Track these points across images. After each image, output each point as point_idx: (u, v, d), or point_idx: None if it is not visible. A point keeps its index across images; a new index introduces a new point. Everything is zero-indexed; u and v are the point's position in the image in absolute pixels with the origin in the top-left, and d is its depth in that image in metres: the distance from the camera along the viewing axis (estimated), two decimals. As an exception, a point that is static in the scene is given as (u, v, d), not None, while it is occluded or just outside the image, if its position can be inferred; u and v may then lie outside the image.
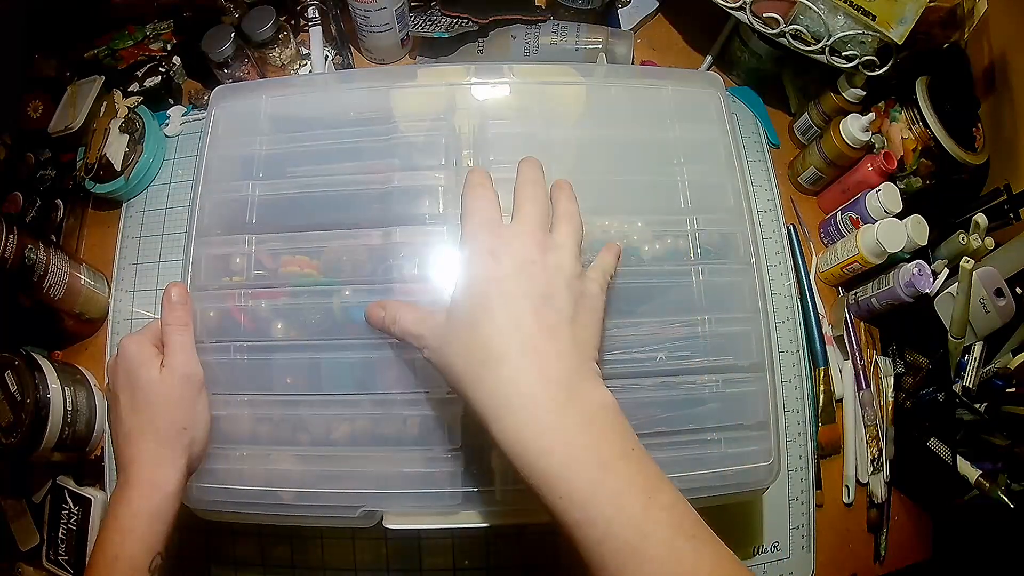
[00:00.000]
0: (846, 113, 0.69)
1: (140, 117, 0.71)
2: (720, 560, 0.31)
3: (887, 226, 0.65)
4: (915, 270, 0.64)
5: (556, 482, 0.32)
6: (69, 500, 0.60)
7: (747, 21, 0.67)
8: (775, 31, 0.66)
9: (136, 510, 0.42)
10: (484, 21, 0.74)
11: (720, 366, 0.50)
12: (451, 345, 0.37)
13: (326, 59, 0.77)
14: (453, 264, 0.41)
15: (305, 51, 0.78)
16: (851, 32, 0.64)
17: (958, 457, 0.64)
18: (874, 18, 0.63)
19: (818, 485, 0.65)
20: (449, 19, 0.74)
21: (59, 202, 0.71)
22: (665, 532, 0.31)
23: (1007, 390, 0.66)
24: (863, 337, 0.71)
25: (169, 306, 0.47)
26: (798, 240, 0.73)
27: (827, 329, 0.70)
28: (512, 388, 0.34)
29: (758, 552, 0.63)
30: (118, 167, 0.69)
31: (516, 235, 0.38)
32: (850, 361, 0.69)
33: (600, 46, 0.73)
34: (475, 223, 0.39)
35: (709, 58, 0.80)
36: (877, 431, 0.66)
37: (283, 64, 0.75)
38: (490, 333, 0.35)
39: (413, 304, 0.43)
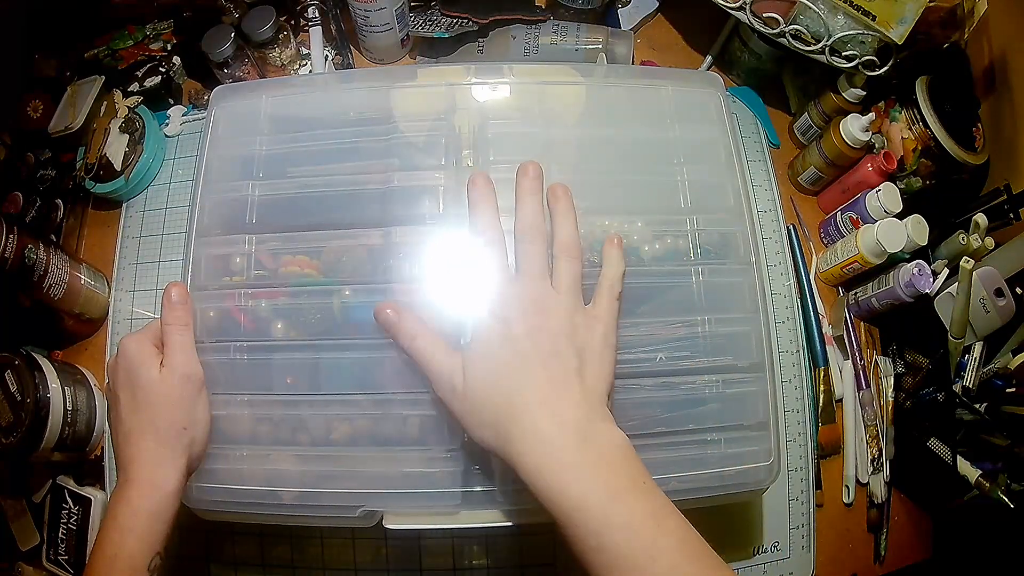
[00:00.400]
0: (846, 113, 0.69)
1: (140, 117, 0.71)
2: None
3: (887, 226, 0.65)
4: (915, 270, 0.64)
5: (573, 514, 0.36)
6: (69, 500, 0.60)
7: (747, 21, 0.67)
8: (775, 31, 0.66)
9: (136, 509, 0.42)
10: (484, 21, 0.74)
11: (720, 366, 0.50)
12: (470, 403, 0.41)
13: (326, 59, 0.77)
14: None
15: (305, 51, 0.78)
16: (851, 32, 0.64)
17: (958, 457, 0.64)
18: (874, 18, 0.63)
19: (818, 485, 0.65)
20: (449, 19, 0.74)
21: (59, 202, 0.71)
22: (671, 556, 0.34)
23: (1007, 390, 0.66)
24: (863, 337, 0.71)
25: (169, 306, 0.47)
26: (798, 240, 0.73)
27: (827, 329, 0.70)
28: (533, 436, 0.38)
29: (758, 552, 0.63)
30: (118, 167, 0.69)
31: (521, 302, 0.42)
32: (850, 361, 0.69)
33: (600, 46, 0.73)
34: (489, 283, 0.43)
35: (709, 58, 0.80)
36: (877, 431, 0.66)
37: (283, 64, 0.75)
38: (510, 391, 0.39)
39: (434, 334, 0.44)
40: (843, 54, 0.66)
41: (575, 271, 0.44)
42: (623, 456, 0.38)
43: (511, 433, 0.39)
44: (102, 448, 0.63)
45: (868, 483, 0.66)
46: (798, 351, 0.68)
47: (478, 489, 0.49)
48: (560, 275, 0.43)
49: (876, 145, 0.71)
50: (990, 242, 0.69)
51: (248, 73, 0.73)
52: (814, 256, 0.74)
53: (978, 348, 0.67)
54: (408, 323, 0.44)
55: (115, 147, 0.69)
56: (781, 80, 0.79)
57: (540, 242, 0.44)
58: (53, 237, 0.68)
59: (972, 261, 0.65)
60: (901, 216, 0.66)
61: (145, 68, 0.75)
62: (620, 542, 0.35)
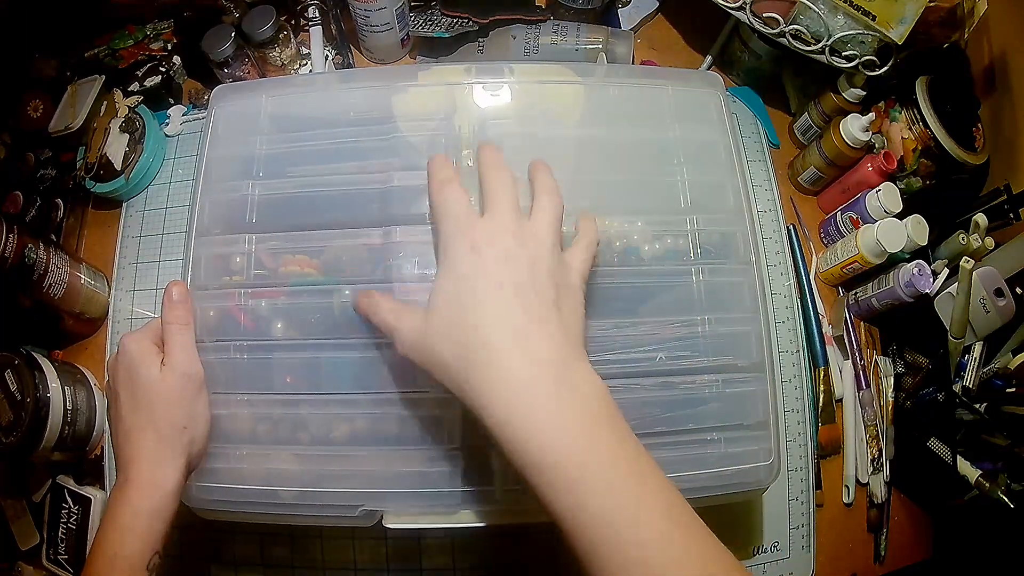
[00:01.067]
0: (846, 113, 0.69)
1: (140, 117, 0.71)
2: (708, 547, 0.31)
3: (887, 226, 0.65)
4: (915, 270, 0.64)
5: (546, 469, 0.32)
6: (69, 500, 0.60)
7: (747, 21, 0.67)
8: (775, 31, 0.66)
9: (135, 509, 0.42)
10: (484, 21, 0.74)
11: (720, 366, 0.50)
12: (434, 336, 0.37)
13: (326, 59, 0.77)
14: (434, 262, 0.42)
15: (305, 51, 0.78)
16: (851, 32, 0.64)
17: (958, 457, 0.64)
18: (874, 18, 0.63)
19: (818, 485, 0.65)
20: (449, 19, 0.74)
21: (59, 202, 0.71)
22: (656, 518, 0.31)
23: (1007, 390, 0.66)
24: (863, 337, 0.71)
25: (169, 304, 0.47)
26: (798, 240, 0.73)
27: (827, 329, 0.70)
28: (503, 373, 0.34)
29: (758, 552, 0.63)
30: (118, 167, 0.69)
31: (493, 229, 0.38)
32: (850, 361, 0.69)
33: (600, 46, 0.73)
34: (450, 221, 0.40)
35: (709, 58, 0.80)
36: (877, 431, 0.66)
37: (283, 64, 0.75)
38: (477, 323, 0.35)
39: (391, 297, 0.43)
40: (843, 54, 0.66)
41: (555, 206, 0.40)
42: (602, 404, 0.34)
43: (476, 371, 0.34)
44: (102, 448, 0.63)
45: (868, 483, 0.66)
46: (798, 351, 0.68)
47: (478, 489, 0.49)
48: (540, 211, 0.40)
49: (876, 145, 0.71)
50: (990, 242, 0.69)
51: (248, 73, 0.73)
52: (814, 256, 0.74)
53: (978, 348, 0.67)
54: (374, 298, 0.42)
55: (115, 147, 0.69)
56: (781, 80, 0.79)
57: (507, 177, 0.40)
58: (53, 237, 0.68)
59: (972, 261, 0.65)
60: (901, 216, 0.66)
61: (145, 68, 0.75)
62: (600, 500, 0.31)
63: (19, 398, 0.56)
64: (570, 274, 0.40)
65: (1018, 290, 0.67)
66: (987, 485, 0.62)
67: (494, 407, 0.33)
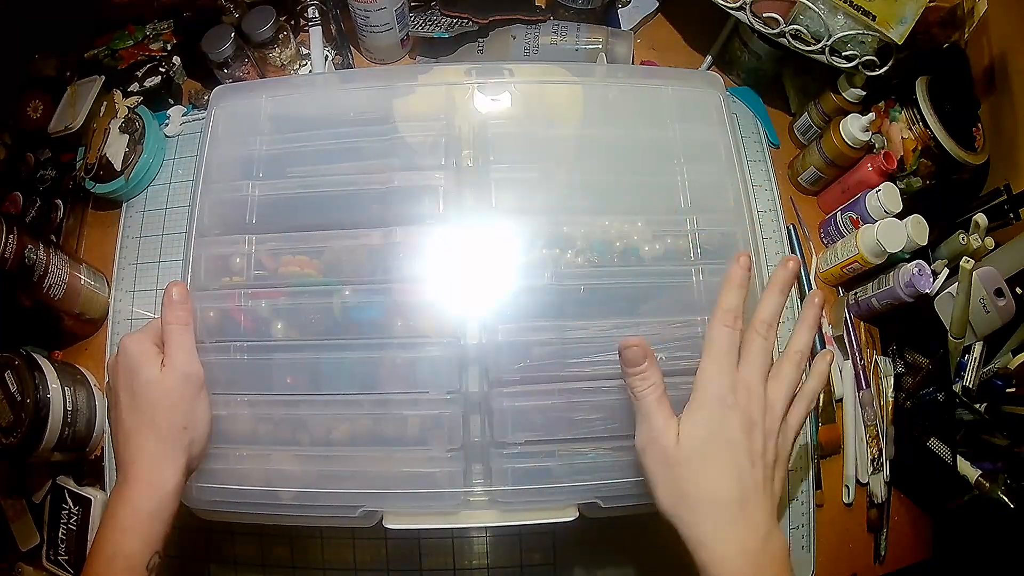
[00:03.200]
0: (846, 113, 0.69)
1: (140, 117, 0.71)
2: None
3: (887, 226, 0.65)
4: (915, 270, 0.64)
5: None
6: (69, 500, 0.60)
7: (747, 21, 0.67)
8: (775, 31, 0.66)
9: (135, 509, 0.42)
10: (484, 21, 0.74)
11: (720, 366, 0.50)
12: (678, 467, 0.41)
13: (326, 59, 0.77)
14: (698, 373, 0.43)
15: (305, 51, 0.78)
16: (851, 32, 0.64)
17: (958, 457, 0.64)
18: (874, 18, 0.63)
19: (818, 485, 0.65)
20: (449, 19, 0.74)
21: (59, 202, 0.71)
22: None
23: (1007, 390, 0.66)
24: (863, 337, 0.71)
25: (170, 305, 0.47)
26: (798, 240, 0.73)
27: (827, 329, 0.70)
28: (725, 532, 0.40)
29: (758, 552, 0.63)
30: (118, 167, 0.69)
31: (746, 391, 0.42)
32: (850, 361, 0.69)
33: (600, 46, 0.73)
34: (713, 356, 0.43)
35: (709, 58, 0.80)
36: (877, 431, 0.66)
37: (283, 64, 0.75)
38: (717, 476, 0.41)
39: (662, 377, 0.43)
40: (843, 54, 0.66)
41: (794, 380, 0.45)
42: (784, 561, 0.40)
43: (696, 514, 0.40)
44: (102, 448, 0.63)
45: (868, 483, 0.66)
46: (798, 351, 0.68)
47: (478, 489, 0.49)
48: (782, 378, 0.44)
49: (876, 145, 0.71)
50: (990, 242, 0.69)
51: (248, 73, 0.73)
52: (814, 256, 0.74)
53: (978, 348, 0.67)
54: (653, 370, 0.43)
55: (115, 147, 0.69)
56: (781, 80, 0.79)
57: (772, 341, 0.44)
58: (53, 237, 0.68)
59: (972, 261, 0.65)
60: (901, 216, 0.66)
61: (145, 68, 0.75)
62: None
63: (19, 399, 0.56)
64: (788, 437, 0.44)
65: (1018, 290, 0.67)
66: (987, 485, 0.62)
67: (711, 551, 0.39)
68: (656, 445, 0.42)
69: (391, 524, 0.48)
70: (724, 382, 0.42)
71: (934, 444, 0.65)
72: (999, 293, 0.66)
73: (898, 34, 0.63)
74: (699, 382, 0.43)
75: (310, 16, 0.77)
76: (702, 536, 0.40)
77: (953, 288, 0.65)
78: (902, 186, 0.71)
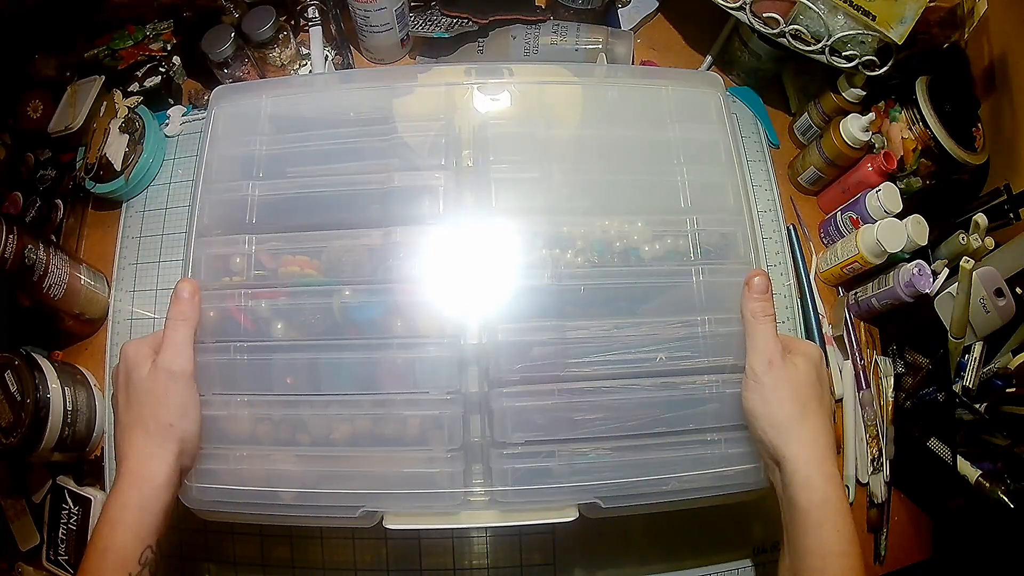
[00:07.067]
0: (846, 113, 0.69)
1: (140, 117, 0.71)
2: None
3: (887, 226, 0.65)
4: (915, 270, 0.64)
5: (814, 496, 0.45)
6: (69, 500, 0.60)
7: (747, 21, 0.67)
8: (775, 31, 0.66)
9: (124, 502, 0.43)
10: (484, 21, 0.74)
11: (720, 366, 0.50)
12: (782, 382, 0.47)
13: (326, 59, 0.77)
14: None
15: (305, 51, 0.78)
16: (851, 32, 0.64)
17: (958, 457, 0.64)
18: (874, 18, 0.63)
19: (818, 485, 0.65)
20: (449, 19, 0.74)
21: (59, 202, 0.71)
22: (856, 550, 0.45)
23: (1007, 390, 0.66)
24: (863, 337, 0.71)
25: (175, 300, 0.48)
26: (798, 240, 0.73)
27: (827, 329, 0.70)
28: (812, 450, 0.46)
29: (758, 552, 0.63)
30: (118, 167, 0.69)
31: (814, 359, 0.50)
32: (850, 361, 0.69)
33: (600, 46, 0.73)
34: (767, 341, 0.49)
35: (709, 58, 0.80)
36: (877, 431, 0.66)
37: (283, 64, 0.75)
38: (816, 411, 0.47)
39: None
40: (843, 54, 0.66)
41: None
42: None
43: (794, 434, 0.46)
44: (102, 448, 0.63)
45: (868, 483, 0.66)
46: (798, 351, 0.68)
47: (478, 489, 0.49)
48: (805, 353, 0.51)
49: (876, 145, 0.71)
50: (990, 242, 0.69)
51: (248, 73, 0.73)
52: (814, 256, 0.74)
53: (978, 348, 0.67)
54: (772, 303, 0.49)
55: (115, 147, 0.69)
56: (781, 80, 0.79)
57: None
58: (53, 237, 0.68)
59: (972, 261, 0.64)
60: (901, 216, 0.66)
61: (145, 68, 0.75)
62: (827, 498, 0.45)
63: (19, 399, 0.56)
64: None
65: (1018, 290, 0.67)
66: (987, 485, 0.62)
67: (799, 469, 0.45)
68: (767, 363, 0.47)
69: (391, 524, 0.48)
70: (813, 358, 0.50)
71: (934, 444, 0.65)
72: (999, 293, 0.66)
73: (898, 34, 0.63)
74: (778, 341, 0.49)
75: (310, 16, 0.77)
76: (792, 455, 0.45)
77: (953, 288, 0.65)
78: (902, 186, 0.71)
